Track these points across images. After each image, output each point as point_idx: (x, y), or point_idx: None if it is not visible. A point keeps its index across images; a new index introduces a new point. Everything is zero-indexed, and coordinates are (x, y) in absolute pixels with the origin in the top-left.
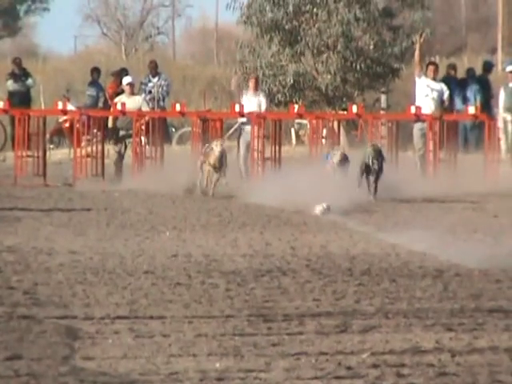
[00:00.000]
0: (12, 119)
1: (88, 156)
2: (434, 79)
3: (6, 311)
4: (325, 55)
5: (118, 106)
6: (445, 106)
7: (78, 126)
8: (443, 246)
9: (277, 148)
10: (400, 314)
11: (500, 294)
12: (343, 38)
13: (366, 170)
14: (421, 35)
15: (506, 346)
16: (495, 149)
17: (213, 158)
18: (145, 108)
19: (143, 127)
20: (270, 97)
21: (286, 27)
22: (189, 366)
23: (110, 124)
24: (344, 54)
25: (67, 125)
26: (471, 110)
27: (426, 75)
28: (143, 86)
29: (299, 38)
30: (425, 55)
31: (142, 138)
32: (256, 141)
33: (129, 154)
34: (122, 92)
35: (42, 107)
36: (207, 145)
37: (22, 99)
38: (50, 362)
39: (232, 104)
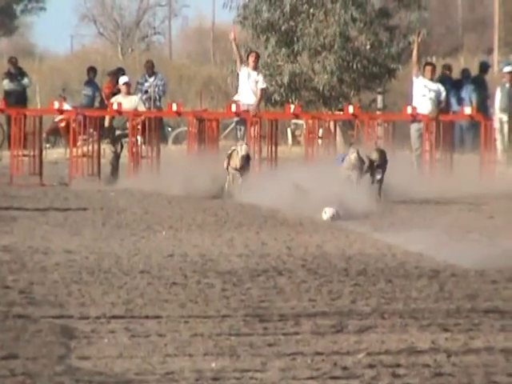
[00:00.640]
0: (8, 118)
1: (84, 155)
2: (432, 80)
3: (2, 310)
4: (321, 55)
5: (115, 106)
6: (441, 107)
7: (74, 125)
8: (439, 246)
9: (273, 148)
10: (396, 314)
11: (496, 295)
12: (340, 38)
13: (371, 172)
14: (418, 35)
15: (502, 346)
16: (491, 149)
17: (237, 161)
18: (141, 108)
19: (139, 127)
20: (267, 96)
21: (283, 27)
22: (184, 366)
23: (106, 123)
24: (340, 54)
25: (63, 124)
26: (467, 110)
27: (423, 75)
28: (139, 86)
29: (296, 38)
30: (421, 56)
31: (139, 138)
32: (252, 141)
33: (125, 153)
34: (119, 92)
35: (39, 106)
36: (233, 148)
37: (18, 98)
38: (45, 362)
39: (228, 104)
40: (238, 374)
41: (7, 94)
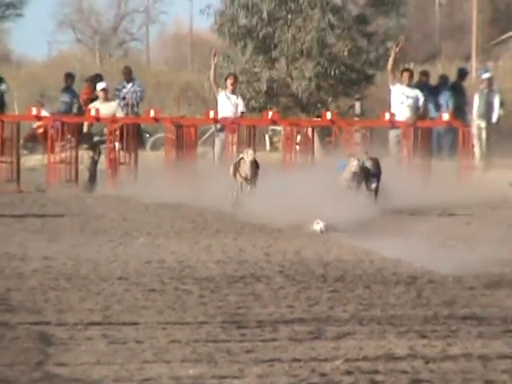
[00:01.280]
0: None
1: (62, 162)
2: (409, 85)
3: None
4: (299, 62)
5: (93, 112)
6: (420, 113)
7: (51, 131)
8: (417, 252)
9: None
10: (374, 320)
11: (473, 301)
12: (318, 44)
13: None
14: (397, 45)
15: (480, 353)
16: (469, 155)
17: (246, 169)
18: (119, 114)
19: (117, 133)
20: (244, 103)
21: (261, 34)
22: (162, 373)
23: (85, 129)
24: (318, 60)
25: (41, 130)
26: (445, 116)
27: (400, 82)
28: (117, 92)
29: (273, 44)
30: (399, 62)
31: (116, 144)
32: (230, 147)
33: (102, 159)
34: (96, 98)
35: (16, 113)
36: (240, 156)
37: None
38: (22, 368)
39: (206, 111)
40: (216, 380)
41: None
